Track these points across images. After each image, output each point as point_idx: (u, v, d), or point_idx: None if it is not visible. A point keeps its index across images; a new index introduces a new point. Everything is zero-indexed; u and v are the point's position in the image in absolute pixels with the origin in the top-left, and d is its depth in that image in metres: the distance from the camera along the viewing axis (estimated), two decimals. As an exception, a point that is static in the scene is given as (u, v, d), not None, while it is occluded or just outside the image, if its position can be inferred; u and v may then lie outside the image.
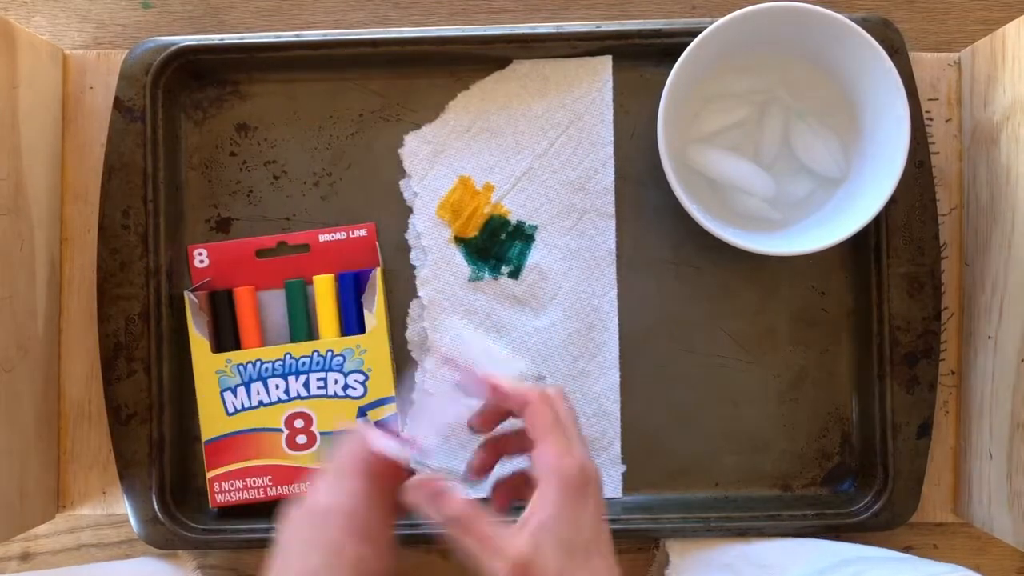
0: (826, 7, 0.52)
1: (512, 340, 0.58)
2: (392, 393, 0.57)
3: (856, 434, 0.59)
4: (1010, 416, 0.53)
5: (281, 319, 0.58)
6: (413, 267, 0.59)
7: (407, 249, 0.59)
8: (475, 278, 0.58)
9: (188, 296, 0.56)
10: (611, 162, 0.58)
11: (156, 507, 0.56)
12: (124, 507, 0.57)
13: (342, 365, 0.56)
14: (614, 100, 0.58)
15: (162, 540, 0.57)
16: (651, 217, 0.59)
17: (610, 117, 0.58)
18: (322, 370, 0.56)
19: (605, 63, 0.58)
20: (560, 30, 0.57)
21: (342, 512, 0.43)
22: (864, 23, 0.53)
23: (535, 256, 0.58)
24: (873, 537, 0.57)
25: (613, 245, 0.58)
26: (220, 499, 0.57)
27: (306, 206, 0.59)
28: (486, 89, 0.59)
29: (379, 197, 0.59)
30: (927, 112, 0.59)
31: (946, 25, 0.61)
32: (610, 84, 0.58)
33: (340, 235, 0.58)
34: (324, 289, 0.57)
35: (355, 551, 0.42)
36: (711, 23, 0.52)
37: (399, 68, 0.58)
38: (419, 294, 0.58)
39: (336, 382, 0.56)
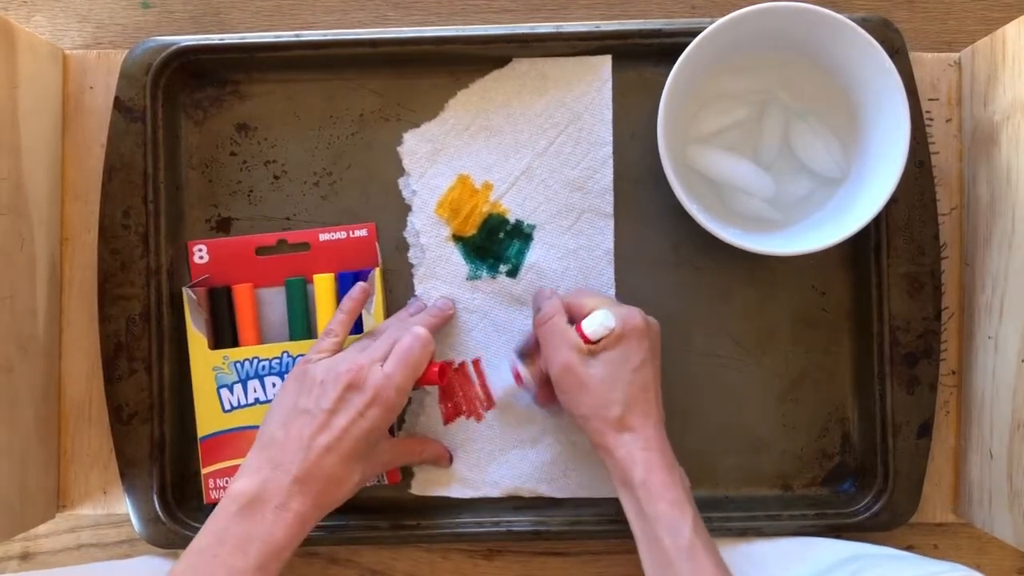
0: (826, 7, 0.52)
1: (509, 339, 0.58)
2: None
3: (856, 434, 0.59)
4: (1010, 416, 0.53)
5: (279, 317, 0.58)
6: (411, 265, 0.59)
7: (406, 248, 0.59)
8: (473, 276, 0.58)
9: (186, 292, 0.56)
10: (610, 162, 0.58)
11: (157, 506, 0.56)
12: (125, 507, 0.57)
13: (341, 365, 0.56)
14: (614, 100, 0.58)
15: (163, 539, 0.57)
16: (651, 217, 0.59)
17: (609, 117, 0.58)
18: (321, 370, 0.56)
19: (605, 62, 0.58)
20: (560, 30, 0.57)
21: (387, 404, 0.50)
22: (864, 23, 0.53)
23: (533, 255, 0.58)
24: (873, 537, 0.57)
25: (611, 245, 0.58)
26: (214, 495, 0.57)
27: (306, 206, 0.59)
28: (486, 88, 0.59)
29: (379, 197, 0.59)
30: (927, 112, 0.59)
31: (946, 25, 0.61)
32: (609, 84, 0.58)
33: (340, 234, 0.58)
34: (324, 288, 0.57)
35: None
36: (711, 23, 0.52)
37: (399, 68, 0.58)
38: (416, 292, 0.58)
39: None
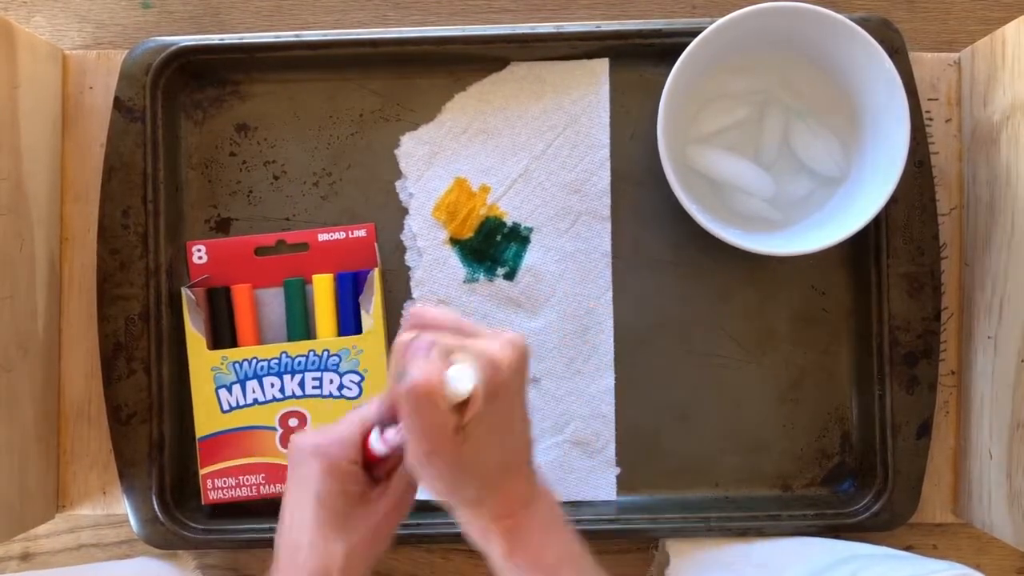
0: (826, 7, 0.52)
1: None
2: None
3: (856, 434, 0.59)
4: (1010, 416, 0.53)
5: (278, 318, 0.58)
6: (408, 268, 0.59)
7: (405, 250, 0.59)
8: (470, 280, 0.58)
9: (185, 292, 0.56)
10: (607, 164, 0.58)
11: (156, 507, 0.56)
12: (124, 507, 0.57)
13: (338, 365, 0.56)
14: (614, 100, 0.58)
15: (162, 540, 0.57)
16: (651, 217, 0.59)
17: (607, 120, 0.58)
18: (318, 370, 0.56)
19: (602, 66, 0.58)
20: (560, 30, 0.57)
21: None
22: (864, 23, 0.53)
23: (530, 258, 0.58)
24: (873, 537, 0.57)
25: (608, 247, 0.58)
26: (212, 496, 0.57)
27: (306, 206, 0.59)
28: (483, 91, 0.59)
29: (378, 197, 0.59)
30: (927, 112, 0.59)
31: (946, 25, 0.61)
32: (607, 87, 0.58)
33: (339, 235, 0.58)
34: (323, 288, 0.57)
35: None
36: (711, 23, 0.52)
37: (399, 68, 0.58)
38: (413, 295, 0.58)
39: (331, 382, 0.56)
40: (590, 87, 0.58)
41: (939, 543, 0.60)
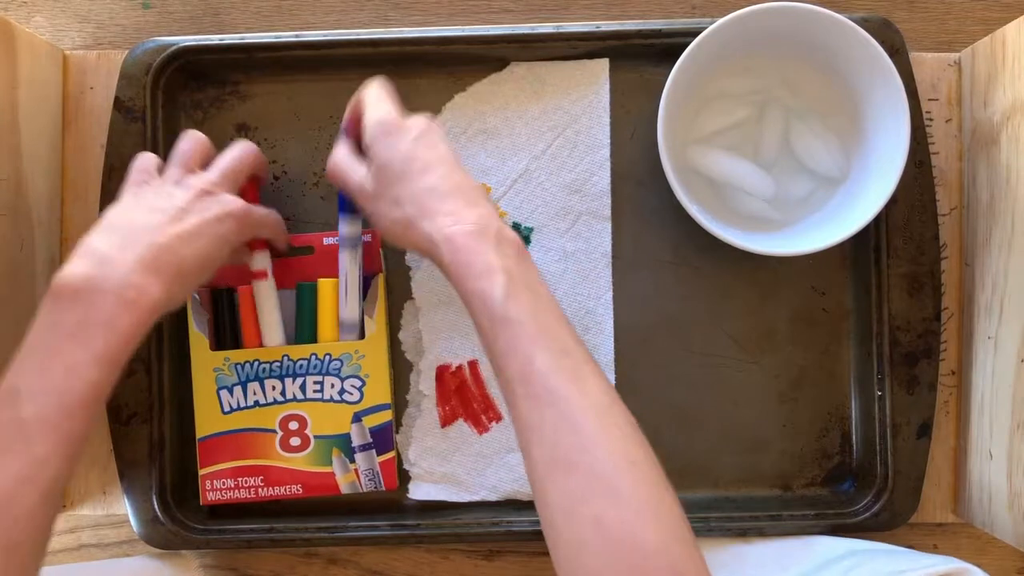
0: (826, 7, 0.52)
1: None
2: (388, 400, 0.57)
3: (856, 434, 0.59)
4: (1010, 416, 0.53)
5: (285, 319, 0.58)
6: (409, 268, 0.59)
7: (404, 251, 0.59)
8: (472, 279, 0.58)
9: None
10: (607, 165, 0.58)
11: (156, 507, 0.56)
12: (124, 507, 0.57)
13: (339, 369, 0.56)
14: (614, 100, 0.58)
15: (162, 540, 0.57)
16: (651, 217, 0.59)
17: (607, 120, 0.58)
18: (319, 373, 0.56)
19: (602, 66, 0.58)
20: (560, 30, 0.57)
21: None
22: (864, 23, 0.53)
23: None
24: (874, 537, 0.57)
25: (609, 248, 0.58)
26: (211, 497, 0.57)
27: (306, 206, 0.59)
28: (482, 91, 0.59)
29: (379, 197, 0.59)
30: (927, 112, 0.59)
31: (946, 25, 0.61)
32: (607, 87, 0.58)
33: (343, 237, 0.58)
34: (327, 292, 0.57)
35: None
36: (711, 23, 0.52)
37: (399, 68, 0.58)
38: (413, 296, 0.58)
39: (332, 386, 0.56)
40: (590, 87, 0.58)
41: (939, 543, 0.60)
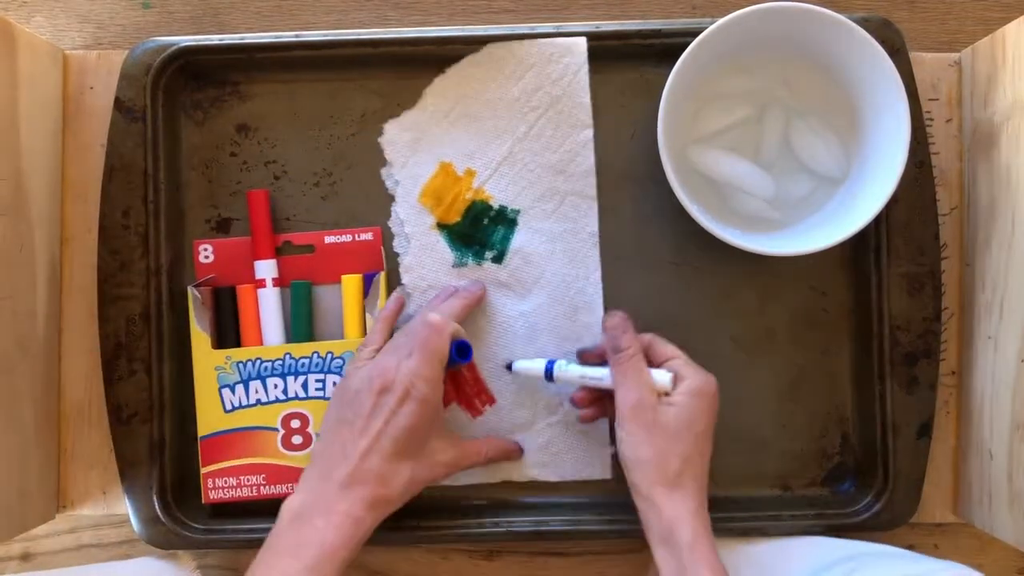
0: (826, 7, 0.52)
1: (497, 324, 0.58)
2: None
3: (856, 434, 0.59)
4: (1010, 416, 0.53)
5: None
6: (397, 255, 0.58)
7: (393, 236, 0.58)
8: (459, 264, 0.58)
9: (191, 291, 0.56)
10: (591, 144, 0.58)
11: (157, 507, 0.56)
12: (124, 507, 0.57)
13: (341, 368, 0.56)
14: (614, 100, 0.58)
15: (162, 540, 0.57)
16: (651, 217, 0.59)
17: (587, 99, 0.58)
18: (321, 372, 0.56)
19: (579, 44, 0.57)
20: (560, 30, 0.57)
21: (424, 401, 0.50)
22: (864, 23, 0.53)
23: (518, 240, 0.58)
24: (874, 537, 0.56)
25: (596, 227, 0.58)
26: (213, 495, 0.57)
27: (306, 206, 0.59)
28: (462, 73, 0.58)
29: (379, 198, 0.59)
30: (927, 112, 0.59)
31: (946, 25, 0.61)
32: (586, 67, 0.57)
33: (345, 237, 0.58)
34: (351, 289, 0.57)
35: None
36: (711, 23, 0.52)
37: (399, 68, 0.58)
38: (403, 281, 0.58)
39: (335, 384, 0.56)
40: (569, 67, 0.58)
41: (940, 543, 0.60)
